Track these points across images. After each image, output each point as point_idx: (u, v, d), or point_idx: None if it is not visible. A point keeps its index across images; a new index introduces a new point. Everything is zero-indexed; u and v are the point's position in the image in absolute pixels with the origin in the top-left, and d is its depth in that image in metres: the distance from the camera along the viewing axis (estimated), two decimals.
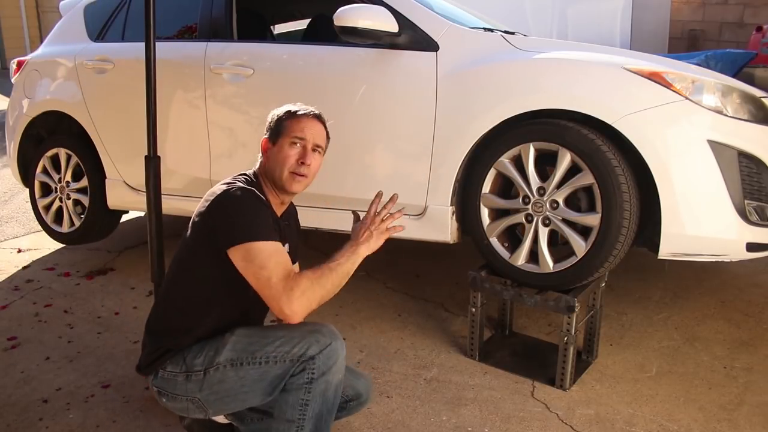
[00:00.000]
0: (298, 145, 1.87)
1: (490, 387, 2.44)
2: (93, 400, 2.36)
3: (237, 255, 1.69)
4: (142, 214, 4.34)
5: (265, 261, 1.67)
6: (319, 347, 1.69)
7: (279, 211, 1.94)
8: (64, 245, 3.98)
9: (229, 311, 1.84)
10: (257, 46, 3.13)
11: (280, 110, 1.93)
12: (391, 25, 2.61)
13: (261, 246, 1.68)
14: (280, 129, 1.88)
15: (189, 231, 1.85)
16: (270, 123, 1.92)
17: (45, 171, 3.82)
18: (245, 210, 1.72)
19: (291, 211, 2.07)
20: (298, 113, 1.90)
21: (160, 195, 2.40)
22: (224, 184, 1.81)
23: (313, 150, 1.89)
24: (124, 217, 4.23)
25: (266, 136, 1.92)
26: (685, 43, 9.35)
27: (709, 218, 2.29)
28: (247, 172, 1.92)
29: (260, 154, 1.94)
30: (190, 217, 1.85)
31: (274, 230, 1.78)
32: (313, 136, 1.89)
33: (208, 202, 1.78)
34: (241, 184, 1.79)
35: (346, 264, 1.77)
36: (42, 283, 3.45)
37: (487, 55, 2.57)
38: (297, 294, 1.66)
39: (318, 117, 1.93)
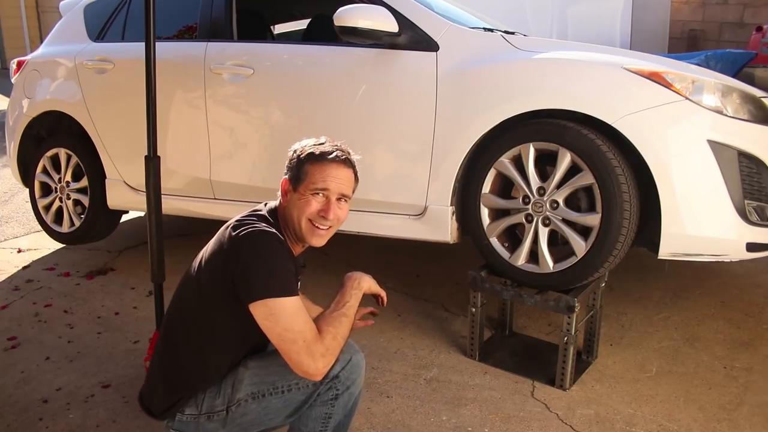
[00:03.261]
0: (320, 195, 1.67)
1: (490, 387, 2.44)
2: (93, 400, 2.36)
3: (258, 312, 1.56)
4: (142, 214, 4.34)
5: (289, 323, 1.54)
6: (341, 364, 1.66)
7: (297, 250, 1.77)
8: (64, 245, 3.98)
9: (245, 350, 1.76)
10: (257, 46, 3.13)
11: (303, 148, 1.71)
12: (391, 25, 2.61)
13: (284, 304, 1.55)
14: (302, 175, 1.67)
15: (204, 270, 1.68)
16: (291, 162, 1.71)
17: (45, 171, 3.81)
18: (267, 259, 1.57)
19: (307, 251, 1.87)
20: (323, 158, 1.67)
21: (160, 195, 2.40)
22: (243, 224, 1.63)
23: (338, 200, 1.70)
24: (124, 217, 4.23)
25: (287, 176, 1.71)
26: (685, 43, 9.35)
27: (709, 218, 2.28)
28: (263, 210, 1.73)
29: (279, 194, 1.74)
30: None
31: (294, 278, 1.63)
32: (338, 186, 1.68)
33: (227, 245, 1.61)
34: (263, 227, 1.62)
35: (355, 304, 1.70)
36: (42, 283, 3.45)
37: (487, 55, 2.57)
38: (321, 351, 1.56)
39: (345, 161, 1.70)
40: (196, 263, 1.74)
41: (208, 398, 1.70)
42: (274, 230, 1.64)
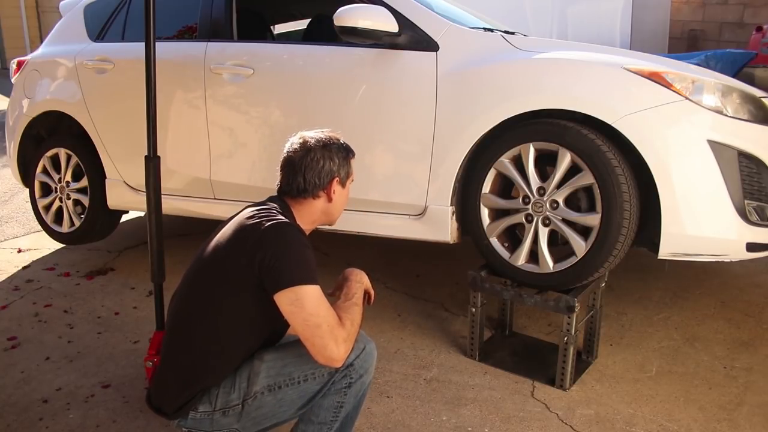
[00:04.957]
0: None
1: (490, 387, 2.44)
2: (93, 400, 2.36)
3: (284, 298, 1.61)
4: (142, 214, 4.34)
5: (315, 308, 1.60)
6: (355, 353, 1.71)
7: None
8: (64, 245, 3.98)
9: (259, 342, 1.77)
10: (257, 46, 3.13)
11: (342, 147, 1.85)
12: (391, 25, 2.61)
13: (309, 291, 1.61)
14: (350, 170, 1.88)
15: (224, 262, 1.70)
16: (338, 163, 1.82)
17: (45, 171, 3.82)
18: (294, 249, 1.64)
19: None
20: (352, 150, 1.89)
21: (160, 195, 2.40)
22: (265, 215, 1.69)
23: None
24: (124, 217, 4.23)
25: (338, 178, 1.82)
26: (685, 43, 9.35)
27: (709, 218, 2.28)
28: (273, 205, 1.77)
29: (323, 196, 1.82)
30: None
31: (315, 267, 1.69)
32: None
33: (254, 236, 1.65)
34: (285, 219, 1.69)
35: (361, 296, 1.79)
36: (42, 283, 3.45)
37: (487, 55, 2.57)
38: (343, 337, 1.62)
39: None
40: (206, 256, 1.74)
41: (222, 393, 1.70)
42: (294, 222, 1.72)
